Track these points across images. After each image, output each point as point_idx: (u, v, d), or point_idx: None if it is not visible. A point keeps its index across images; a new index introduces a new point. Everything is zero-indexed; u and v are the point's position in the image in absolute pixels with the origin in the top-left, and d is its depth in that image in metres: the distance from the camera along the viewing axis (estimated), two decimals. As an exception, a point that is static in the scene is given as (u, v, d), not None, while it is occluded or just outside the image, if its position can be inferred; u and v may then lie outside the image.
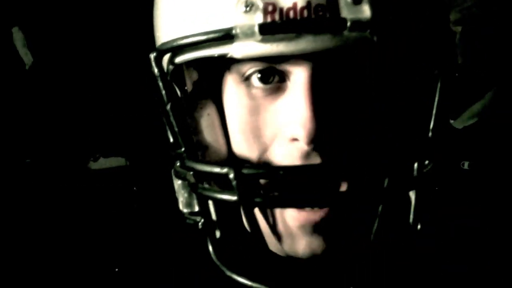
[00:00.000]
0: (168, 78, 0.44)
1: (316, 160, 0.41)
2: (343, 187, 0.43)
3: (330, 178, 0.41)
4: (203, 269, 0.71)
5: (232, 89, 0.46)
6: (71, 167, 2.00)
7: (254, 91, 0.44)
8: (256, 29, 0.36)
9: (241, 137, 0.46)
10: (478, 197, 0.72)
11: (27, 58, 1.96)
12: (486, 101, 1.51)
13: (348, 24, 0.35)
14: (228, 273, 0.45)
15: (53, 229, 1.81)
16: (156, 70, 0.43)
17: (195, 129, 0.49)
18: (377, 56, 0.40)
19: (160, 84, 0.44)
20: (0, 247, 1.73)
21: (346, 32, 0.36)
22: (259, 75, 0.43)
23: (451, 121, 1.57)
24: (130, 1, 2.02)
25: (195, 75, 0.48)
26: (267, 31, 0.36)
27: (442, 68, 0.40)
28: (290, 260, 0.46)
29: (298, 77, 0.40)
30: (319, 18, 0.36)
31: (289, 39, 0.37)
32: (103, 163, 2.00)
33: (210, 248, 0.46)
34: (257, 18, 0.37)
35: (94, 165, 2.00)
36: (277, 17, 0.36)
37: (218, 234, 0.46)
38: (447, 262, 0.73)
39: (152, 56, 0.43)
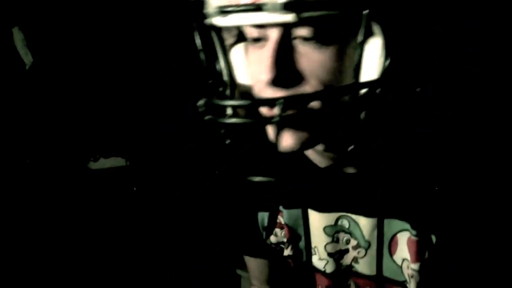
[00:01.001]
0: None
1: (280, 93, 0.58)
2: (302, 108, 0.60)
3: (281, 105, 0.57)
4: (202, 269, 0.72)
5: (243, 47, 0.66)
6: (71, 167, 2.00)
7: (253, 46, 0.62)
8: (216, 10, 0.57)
9: (247, 76, 0.66)
10: (478, 197, 0.72)
11: (27, 58, 1.96)
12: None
13: (267, 6, 0.52)
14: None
15: (53, 229, 1.81)
16: (194, 25, 0.64)
17: (220, 66, 0.68)
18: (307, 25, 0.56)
19: (196, 33, 0.64)
20: (0, 247, 1.73)
21: (268, 11, 0.53)
22: (254, 38, 0.61)
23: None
24: (130, 1, 2.03)
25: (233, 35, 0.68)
26: (223, 11, 0.56)
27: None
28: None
29: (270, 39, 0.58)
30: (250, 4, 0.53)
31: (233, 16, 0.56)
32: (103, 163, 2.00)
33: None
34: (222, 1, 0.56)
35: (94, 165, 2.00)
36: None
37: (228, 141, 0.65)
38: (447, 262, 0.73)
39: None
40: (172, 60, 1.99)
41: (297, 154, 0.68)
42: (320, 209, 0.78)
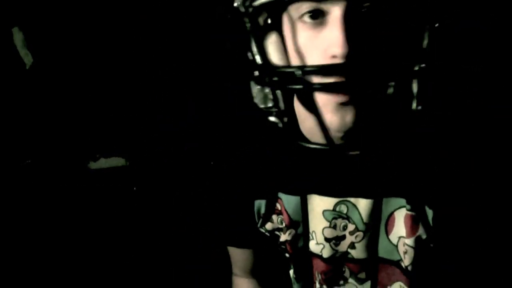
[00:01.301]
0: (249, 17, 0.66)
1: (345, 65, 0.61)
2: (363, 83, 0.63)
3: (355, 74, 0.61)
4: (202, 269, 0.72)
5: (292, 25, 0.67)
6: (71, 167, 2.00)
7: (306, 25, 0.64)
8: None
9: (298, 56, 0.67)
10: (478, 197, 0.72)
11: (27, 58, 1.96)
12: None
13: None
14: (300, 142, 0.70)
15: (53, 229, 1.81)
16: (243, 10, 0.66)
17: (265, 51, 0.70)
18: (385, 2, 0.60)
19: (246, 19, 0.66)
20: (0, 247, 1.73)
21: None
22: (309, 14, 0.63)
23: None
24: (130, 1, 2.03)
25: (265, 15, 0.70)
26: None
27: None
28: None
29: (335, 15, 0.61)
30: None
31: None
32: (103, 163, 2.00)
33: (281, 125, 0.69)
34: None
35: (94, 165, 2.00)
36: None
37: (286, 119, 0.68)
38: (447, 262, 0.74)
39: (240, 1, 0.66)
40: (172, 60, 1.99)
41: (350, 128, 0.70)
42: (320, 193, 0.78)
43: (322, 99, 0.67)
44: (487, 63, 1.18)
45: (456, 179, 0.72)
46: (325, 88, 0.64)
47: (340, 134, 0.71)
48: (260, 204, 0.84)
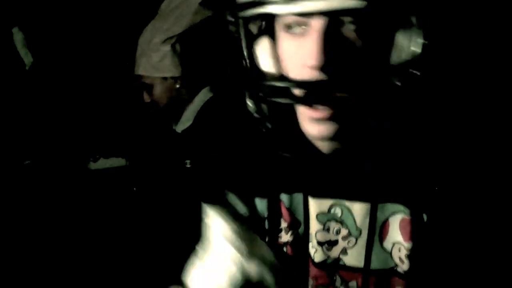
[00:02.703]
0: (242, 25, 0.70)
1: (322, 78, 0.63)
2: (340, 96, 0.65)
3: (330, 90, 0.65)
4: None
5: (277, 34, 0.70)
6: (71, 168, 2.00)
7: (290, 36, 0.67)
8: None
9: (281, 65, 0.70)
10: (476, 199, 0.72)
11: (27, 58, 1.96)
12: (196, 104, 1.67)
13: None
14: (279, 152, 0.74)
15: (53, 230, 1.81)
16: (232, 19, 0.69)
17: (251, 59, 0.73)
18: (365, 14, 0.61)
19: (233, 28, 0.69)
20: (0, 247, 1.73)
21: None
22: (293, 25, 0.66)
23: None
24: (130, 1, 2.03)
25: (252, 25, 0.73)
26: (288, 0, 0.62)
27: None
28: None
29: (315, 27, 0.63)
30: None
31: (306, 3, 0.60)
32: (103, 163, 2.00)
33: (264, 130, 0.73)
34: None
35: (94, 165, 2.00)
36: None
37: (269, 125, 0.73)
38: (440, 242, 0.74)
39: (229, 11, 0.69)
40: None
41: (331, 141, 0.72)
42: (314, 195, 0.78)
43: (302, 110, 0.68)
44: (487, 63, 1.18)
45: (453, 182, 0.72)
46: (301, 102, 0.66)
47: (322, 143, 0.72)
48: (263, 204, 0.83)
